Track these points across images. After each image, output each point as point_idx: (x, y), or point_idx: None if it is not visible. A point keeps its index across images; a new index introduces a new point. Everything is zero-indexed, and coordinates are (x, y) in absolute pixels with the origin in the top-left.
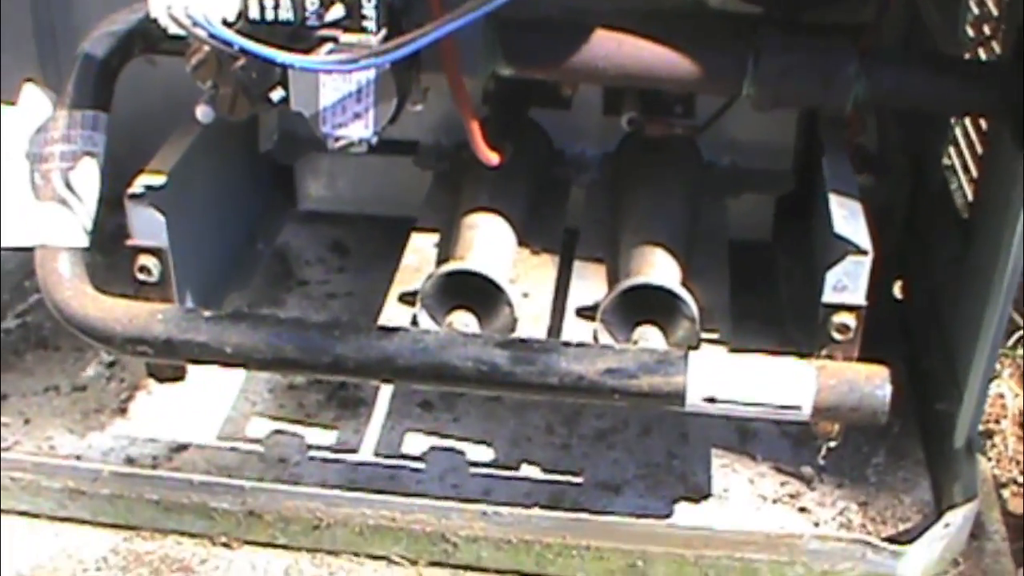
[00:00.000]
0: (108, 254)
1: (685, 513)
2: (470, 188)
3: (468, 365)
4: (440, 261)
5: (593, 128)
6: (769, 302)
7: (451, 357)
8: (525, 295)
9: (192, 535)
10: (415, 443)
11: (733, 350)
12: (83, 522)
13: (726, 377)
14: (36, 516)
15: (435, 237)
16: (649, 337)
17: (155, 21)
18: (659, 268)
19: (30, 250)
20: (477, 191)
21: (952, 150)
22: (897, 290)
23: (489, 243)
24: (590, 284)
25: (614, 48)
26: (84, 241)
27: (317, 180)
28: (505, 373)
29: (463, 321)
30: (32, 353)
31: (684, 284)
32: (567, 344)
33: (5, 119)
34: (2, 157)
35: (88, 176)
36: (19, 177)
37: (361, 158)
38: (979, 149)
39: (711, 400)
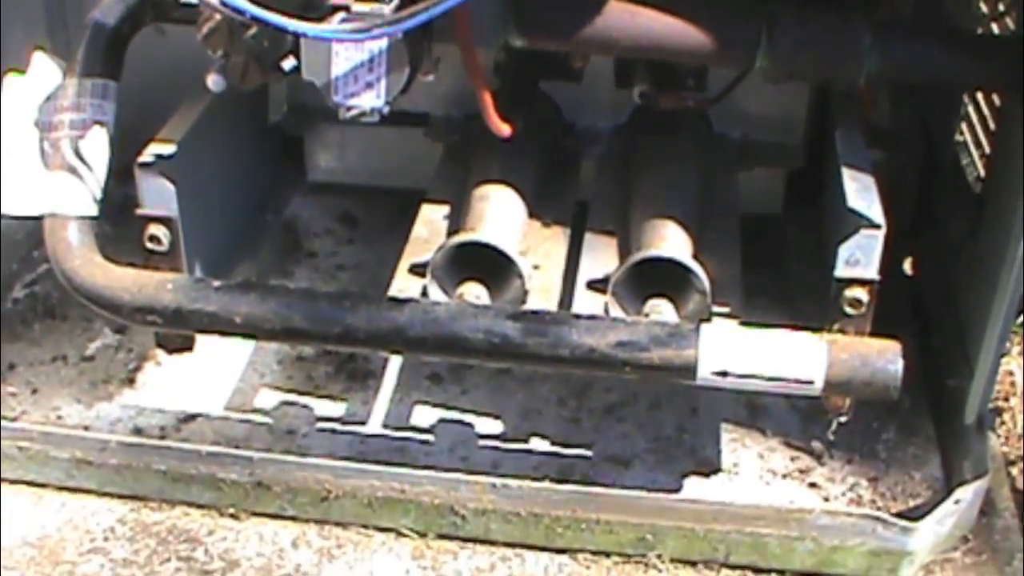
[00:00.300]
0: (116, 224)
1: (695, 487)
2: (481, 160)
3: (479, 337)
4: (451, 232)
5: (604, 101)
6: (779, 276)
7: (462, 329)
8: (536, 267)
9: (200, 506)
10: (424, 415)
11: (744, 324)
12: (90, 492)
13: (737, 350)
14: (43, 486)
15: (445, 209)
16: (660, 310)
17: None
18: (671, 241)
19: (39, 219)
20: (488, 163)
21: (964, 126)
22: (907, 266)
23: (500, 215)
24: (601, 257)
25: (627, 20)
26: (93, 210)
27: (326, 151)
28: (516, 345)
29: (474, 293)
30: (40, 323)
31: (695, 257)
32: (578, 316)
33: (14, 88)
34: (11, 126)
35: (97, 145)
36: (28, 146)
37: (371, 130)
38: (991, 125)
39: (722, 374)
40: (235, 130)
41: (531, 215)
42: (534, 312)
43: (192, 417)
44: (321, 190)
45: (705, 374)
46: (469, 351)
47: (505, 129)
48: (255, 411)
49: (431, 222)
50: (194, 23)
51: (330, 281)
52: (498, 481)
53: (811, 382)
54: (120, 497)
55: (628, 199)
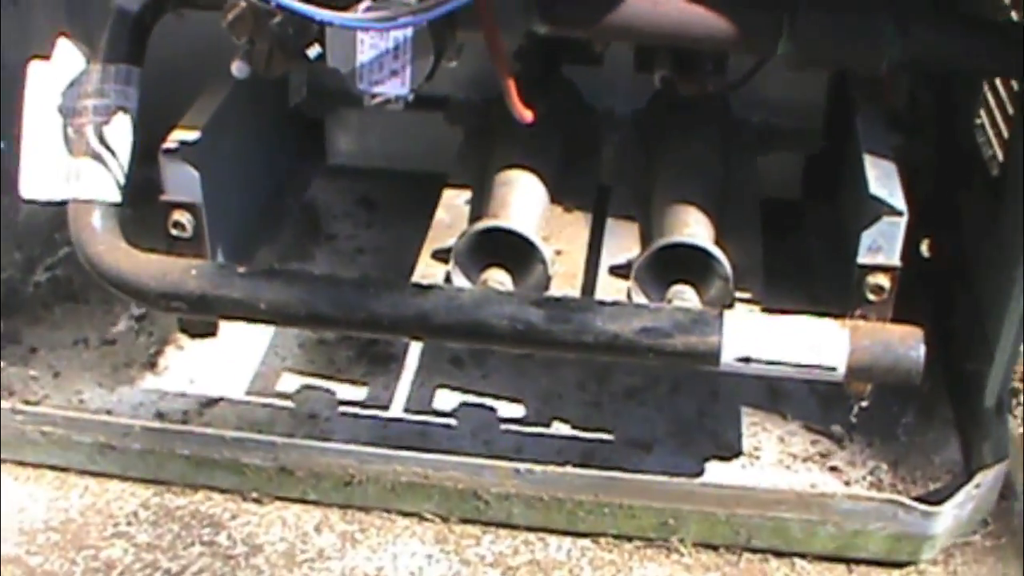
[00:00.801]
0: (136, 209)
1: (716, 471)
2: (502, 145)
3: (504, 323)
4: (473, 218)
5: (625, 85)
6: (799, 262)
7: (487, 315)
8: (558, 253)
9: (223, 491)
10: (446, 399)
11: (765, 310)
12: (113, 477)
13: (760, 337)
14: (66, 470)
15: (467, 194)
16: (684, 296)
17: None
18: (693, 227)
19: (62, 204)
20: (510, 148)
21: (983, 109)
22: (925, 248)
23: (523, 200)
24: (623, 242)
25: (649, 7)
26: (117, 196)
27: (346, 135)
28: (541, 332)
29: (497, 279)
30: (61, 307)
31: (717, 243)
32: (602, 303)
33: (38, 74)
34: (35, 112)
35: (121, 130)
36: (52, 132)
37: (391, 113)
38: (1010, 110)
39: (745, 360)
40: (257, 114)
41: (553, 200)
42: (558, 299)
43: (214, 401)
44: (341, 173)
45: (728, 360)
46: (495, 337)
47: (527, 114)
48: (277, 395)
49: (453, 207)
50: (217, 9)
51: (350, 264)
52: (521, 466)
53: (834, 368)
54: (143, 482)
55: (649, 184)
